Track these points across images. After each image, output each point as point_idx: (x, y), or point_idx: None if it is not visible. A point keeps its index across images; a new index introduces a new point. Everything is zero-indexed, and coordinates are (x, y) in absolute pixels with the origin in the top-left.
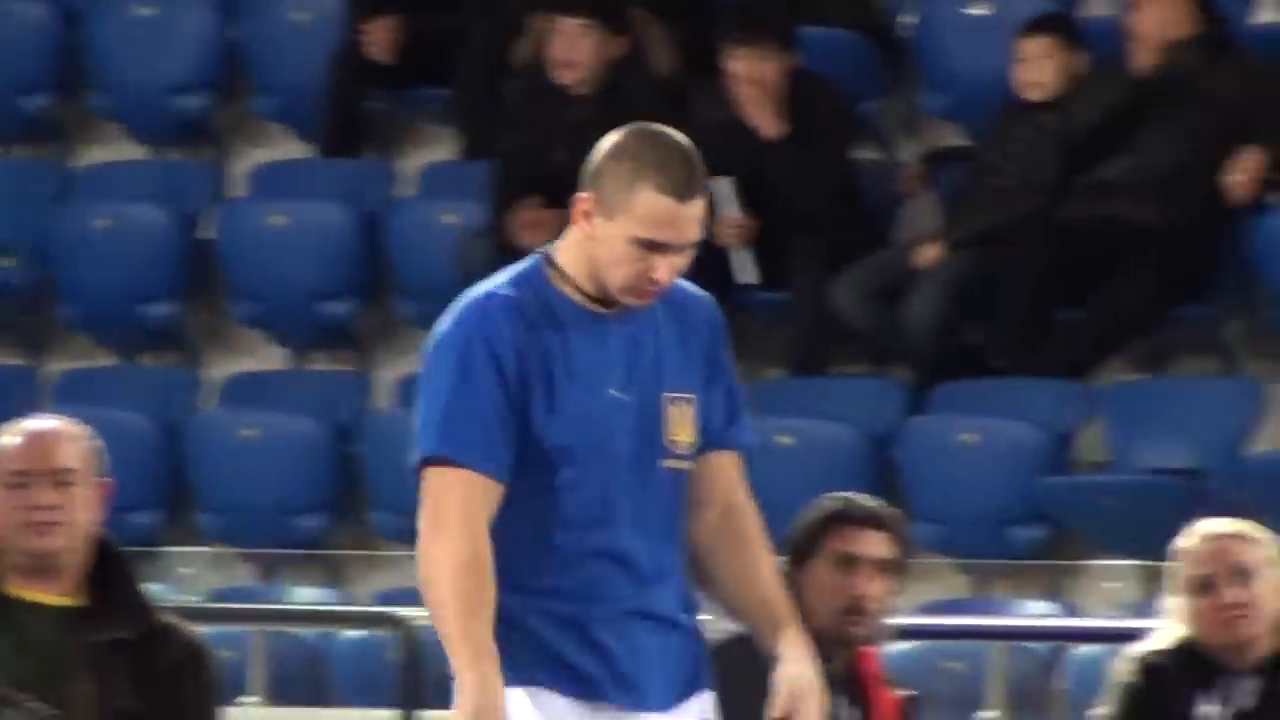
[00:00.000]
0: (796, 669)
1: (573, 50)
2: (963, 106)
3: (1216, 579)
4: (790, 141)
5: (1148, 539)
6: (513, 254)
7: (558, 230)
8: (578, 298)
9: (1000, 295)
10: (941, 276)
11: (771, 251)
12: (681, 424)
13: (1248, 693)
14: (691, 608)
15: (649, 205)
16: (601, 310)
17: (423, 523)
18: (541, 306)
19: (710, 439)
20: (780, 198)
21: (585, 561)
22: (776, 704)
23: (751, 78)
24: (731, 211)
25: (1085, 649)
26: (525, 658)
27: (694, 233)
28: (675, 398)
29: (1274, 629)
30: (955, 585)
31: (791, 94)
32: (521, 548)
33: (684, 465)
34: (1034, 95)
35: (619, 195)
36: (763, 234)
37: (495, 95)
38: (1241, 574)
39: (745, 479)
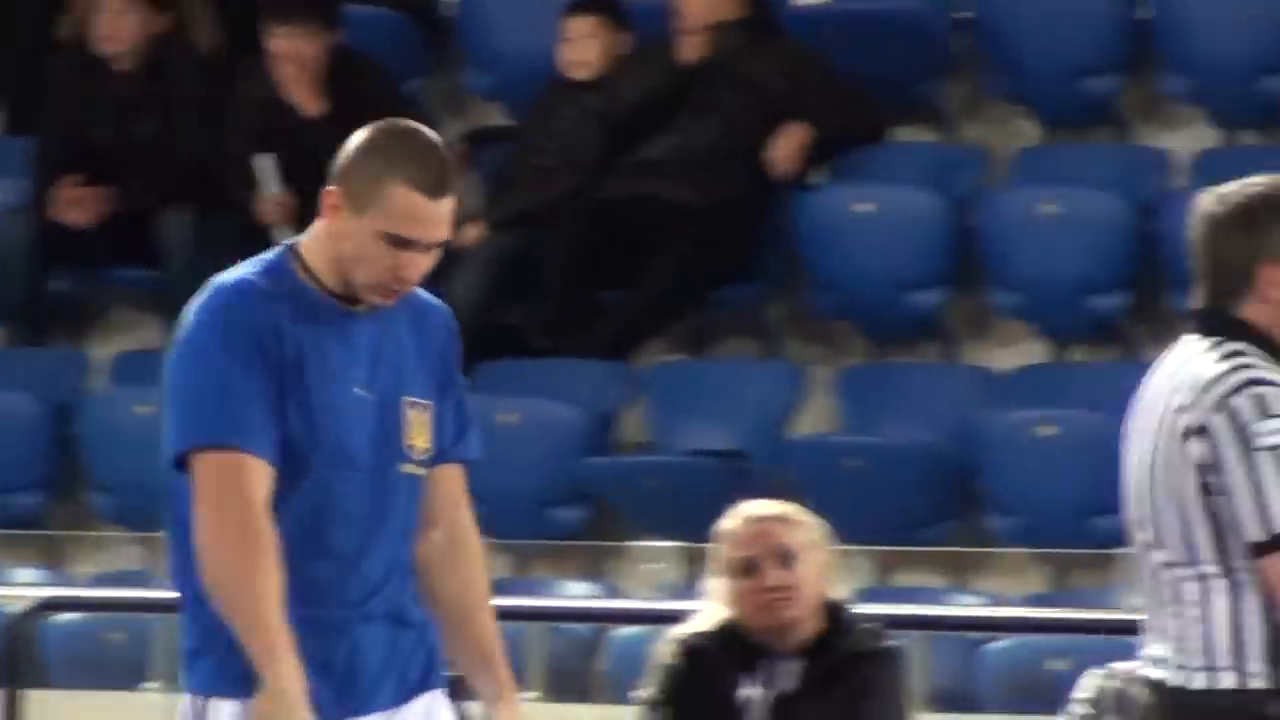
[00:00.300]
0: (508, 714)
1: (116, 26)
2: (507, 86)
3: (759, 561)
4: (332, 119)
5: (690, 521)
6: (54, 231)
7: (98, 208)
8: (324, 293)
9: (541, 275)
10: (483, 256)
11: None
12: (419, 429)
13: (789, 675)
14: (423, 605)
15: (399, 201)
16: (348, 307)
17: (203, 513)
18: (292, 299)
19: (441, 451)
20: (322, 176)
21: (317, 561)
22: None
23: (293, 56)
24: (274, 189)
25: (626, 630)
26: (246, 669)
27: (443, 231)
28: (414, 402)
29: (816, 612)
30: (495, 566)
31: (334, 72)
32: None
33: (421, 471)
34: (578, 75)
35: (369, 190)
36: (305, 212)
37: (39, 71)
38: (784, 556)
39: (468, 492)
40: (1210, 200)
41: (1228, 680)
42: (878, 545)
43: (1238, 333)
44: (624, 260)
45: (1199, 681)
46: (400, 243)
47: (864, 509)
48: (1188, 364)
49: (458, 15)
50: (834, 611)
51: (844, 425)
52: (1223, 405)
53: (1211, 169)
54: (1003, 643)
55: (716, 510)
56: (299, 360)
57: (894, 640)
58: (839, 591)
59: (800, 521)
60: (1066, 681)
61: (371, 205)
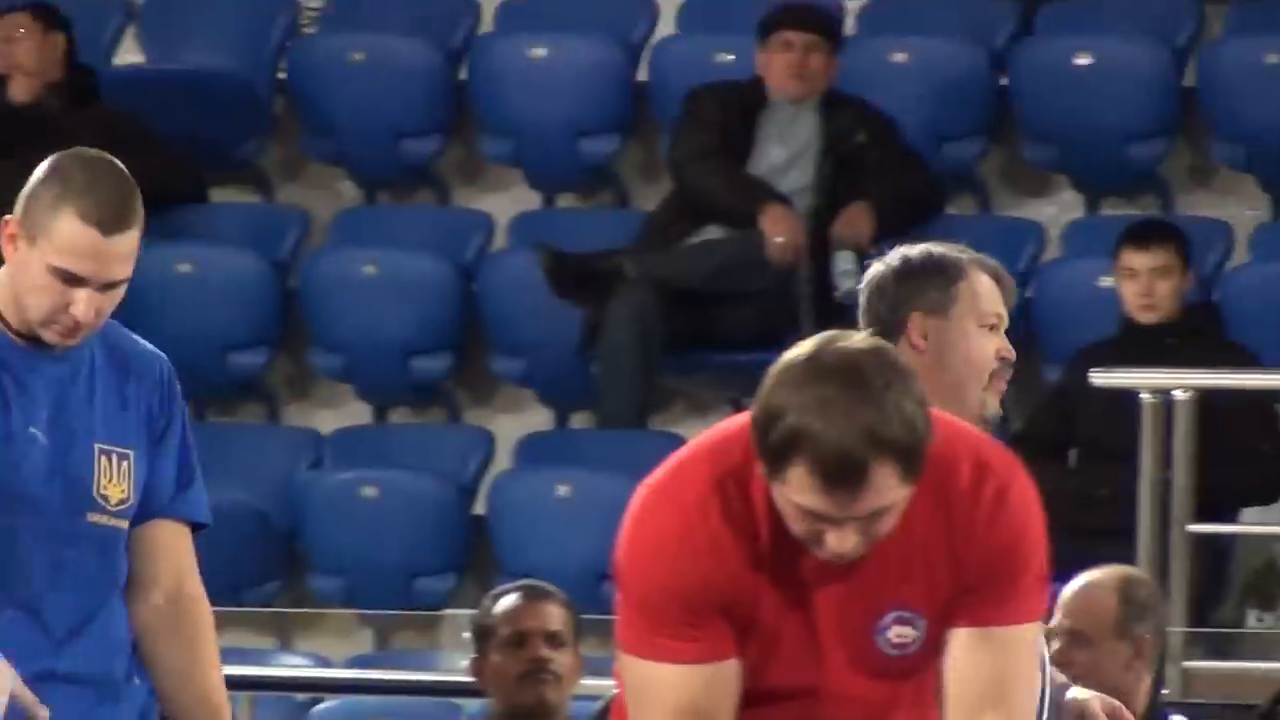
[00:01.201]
0: None
1: None
2: None
3: None
4: None
5: None
6: None
7: None
8: (4, 332)
9: None
10: None
11: None
12: (113, 478)
13: None
14: (141, 674)
15: (69, 234)
16: (28, 346)
17: None
18: None
19: (156, 506)
20: None
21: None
22: None
23: None
24: None
25: None
26: None
27: (120, 270)
28: (108, 449)
29: None
30: None
31: None
32: None
33: (119, 524)
34: None
35: (41, 219)
36: None
37: None
38: None
39: (195, 556)
40: (878, 262)
41: None
42: None
43: None
44: None
45: None
46: (70, 279)
47: None
48: None
49: None
50: None
51: None
52: None
53: (531, 230)
54: (329, 704)
55: None
56: None
57: None
58: None
59: None
60: None
61: (42, 236)
